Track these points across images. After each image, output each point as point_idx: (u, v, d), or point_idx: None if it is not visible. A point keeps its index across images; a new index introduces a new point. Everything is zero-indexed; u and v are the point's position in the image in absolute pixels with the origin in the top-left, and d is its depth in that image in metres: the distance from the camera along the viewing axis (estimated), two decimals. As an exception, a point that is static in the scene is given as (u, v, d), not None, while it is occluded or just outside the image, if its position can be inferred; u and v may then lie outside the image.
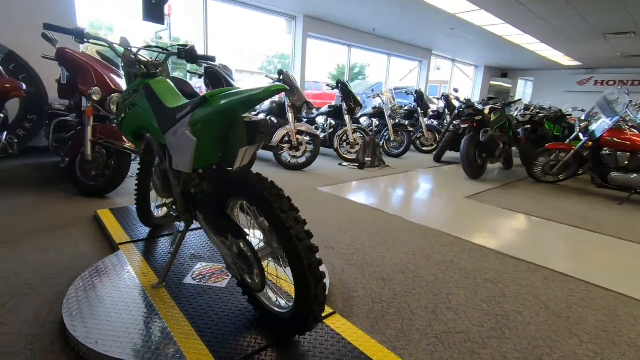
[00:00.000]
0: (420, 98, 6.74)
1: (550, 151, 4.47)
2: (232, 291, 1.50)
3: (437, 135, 6.71)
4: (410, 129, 6.18)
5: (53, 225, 2.21)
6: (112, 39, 1.65)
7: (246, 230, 1.23)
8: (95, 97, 2.69)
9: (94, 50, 3.19)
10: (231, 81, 3.52)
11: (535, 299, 1.73)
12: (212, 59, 1.75)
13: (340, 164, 5.03)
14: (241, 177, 1.18)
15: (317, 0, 6.39)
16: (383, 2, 6.24)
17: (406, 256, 2.12)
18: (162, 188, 1.59)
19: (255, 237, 1.27)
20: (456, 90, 6.78)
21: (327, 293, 1.54)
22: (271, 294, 1.35)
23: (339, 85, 5.15)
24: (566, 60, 11.22)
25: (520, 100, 8.47)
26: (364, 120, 6.49)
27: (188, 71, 4.21)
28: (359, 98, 5.29)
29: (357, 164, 4.90)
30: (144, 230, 2.08)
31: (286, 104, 4.38)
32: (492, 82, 13.90)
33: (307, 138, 4.49)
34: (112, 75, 2.95)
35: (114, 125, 2.86)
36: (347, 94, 5.10)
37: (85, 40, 1.57)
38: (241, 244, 1.20)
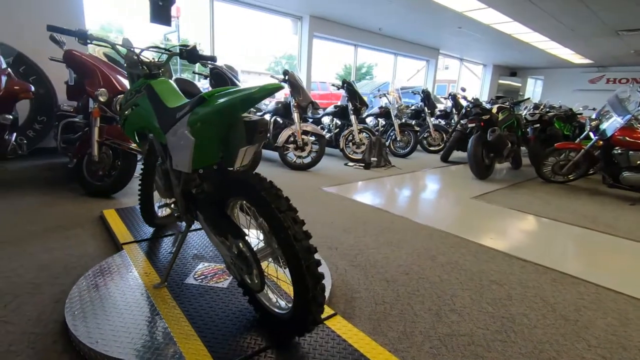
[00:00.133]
0: (427, 97, 6.68)
1: (560, 151, 4.39)
2: (233, 292, 1.49)
3: (444, 135, 6.65)
4: (417, 128, 6.13)
5: (60, 225, 2.24)
6: (119, 41, 1.66)
7: (246, 231, 1.23)
8: (101, 99, 2.72)
9: (100, 52, 3.22)
10: (236, 82, 3.53)
11: (543, 302, 1.69)
12: (214, 58, 1.75)
13: (345, 164, 5.01)
14: (240, 177, 1.18)
15: (323, 0, 6.38)
16: (389, 1, 6.21)
17: (411, 257, 2.10)
18: (164, 188, 1.59)
19: (256, 237, 1.27)
20: (463, 90, 6.71)
21: (327, 294, 1.53)
22: (271, 295, 1.34)
23: (345, 85, 5.12)
24: (577, 58, 11.03)
25: (529, 99, 8.34)
26: (370, 120, 6.46)
27: (194, 72, 4.24)
28: (365, 98, 5.26)
29: (363, 164, 4.87)
30: (148, 230, 2.09)
31: (292, 104, 4.38)
32: (500, 81, 13.74)
33: (313, 138, 4.48)
34: (118, 76, 2.98)
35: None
36: (352, 93, 5.08)
37: (89, 41, 1.58)
38: (240, 244, 1.19)
